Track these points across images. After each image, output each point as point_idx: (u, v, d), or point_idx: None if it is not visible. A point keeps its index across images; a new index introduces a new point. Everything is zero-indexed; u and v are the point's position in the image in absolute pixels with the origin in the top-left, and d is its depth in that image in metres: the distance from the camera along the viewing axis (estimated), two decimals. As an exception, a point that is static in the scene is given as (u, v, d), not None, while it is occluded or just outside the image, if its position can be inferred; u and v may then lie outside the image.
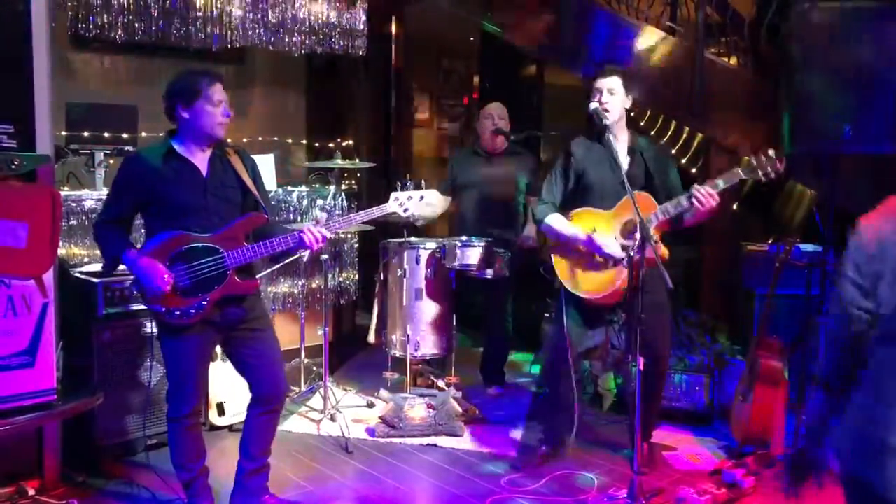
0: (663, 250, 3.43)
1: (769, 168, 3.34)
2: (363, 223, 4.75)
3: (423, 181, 3.40)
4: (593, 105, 3.52)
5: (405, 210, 3.26)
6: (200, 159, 3.04)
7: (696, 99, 4.95)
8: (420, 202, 3.27)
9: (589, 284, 3.58)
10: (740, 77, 5.16)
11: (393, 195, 3.27)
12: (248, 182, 3.11)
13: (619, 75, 3.57)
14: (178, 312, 2.94)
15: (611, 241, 3.48)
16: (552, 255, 3.70)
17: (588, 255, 3.56)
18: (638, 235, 3.24)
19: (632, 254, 3.17)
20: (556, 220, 3.63)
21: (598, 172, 3.64)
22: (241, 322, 3.10)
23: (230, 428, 4.16)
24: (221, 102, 2.98)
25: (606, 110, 3.51)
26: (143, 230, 3.18)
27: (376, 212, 3.23)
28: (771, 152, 3.36)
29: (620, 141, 3.65)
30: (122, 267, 3.17)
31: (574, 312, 3.67)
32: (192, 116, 2.96)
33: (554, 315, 3.81)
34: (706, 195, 3.33)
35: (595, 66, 3.57)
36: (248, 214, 3.08)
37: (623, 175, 3.34)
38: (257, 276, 3.29)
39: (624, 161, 3.63)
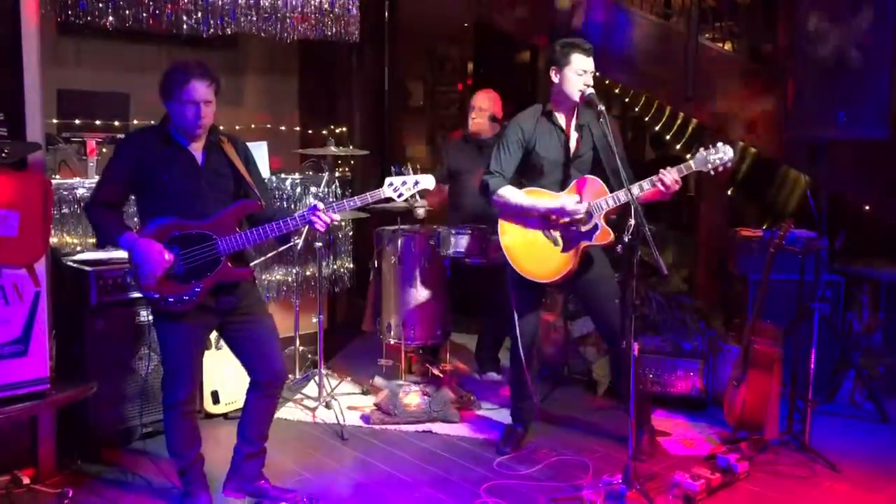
0: (610, 235, 3.49)
1: (718, 161, 3.38)
2: (358, 210, 4.77)
3: (417, 166, 3.35)
4: (590, 91, 3.50)
5: (399, 195, 3.23)
6: (195, 146, 3.04)
7: (690, 85, 4.94)
8: (415, 187, 3.24)
9: (540, 268, 3.59)
10: (735, 62, 5.15)
11: (387, 180, 3.24)
12: (242, 170, 3.11)
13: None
14: (171, 299, 2.93)
15: (572, 199, 3.50)
16: (500, 231, 3.66)
17: (541, 235, 3.57)
18: (632, 221, 3.26)
19: (626, 239, 3.16)
20: (510, 192, 3.59)
21: (546, 149, 3.64)
22: (236, 308, 3.10)
23: (225, 416, 4.16)
24: (195, 103, 2.92)
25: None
26: (135, 218, 3.16)
27: (370, 197, 3.20)
28: (720, 145, 3.40)
29: (571, 117, 3.67)
30: (115, 255, 3.18)
31: (523, 294, 3.70)
32: (171, 112, 2.98)
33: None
34: (671, 180, 3.35)
35: (583, 50, 3.54)
36: (241, 201, 3.08)
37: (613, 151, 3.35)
38: (251, 265, 3.28)
39: (573, 139, 3.66)
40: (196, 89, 2.91)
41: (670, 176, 3.35)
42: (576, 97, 3.53)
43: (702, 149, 3.45)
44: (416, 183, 3.24)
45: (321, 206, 3.09)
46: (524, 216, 3.60)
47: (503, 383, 4.81)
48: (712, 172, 3.43)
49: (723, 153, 3.38)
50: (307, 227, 3.11)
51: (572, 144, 3.65)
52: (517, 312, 3.70)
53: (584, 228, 3.51)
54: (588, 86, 3.50)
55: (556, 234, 3.57)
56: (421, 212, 4.87)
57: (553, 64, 3.59)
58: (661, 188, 3.36)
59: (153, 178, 2.96)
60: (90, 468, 3.55)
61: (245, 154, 3.20)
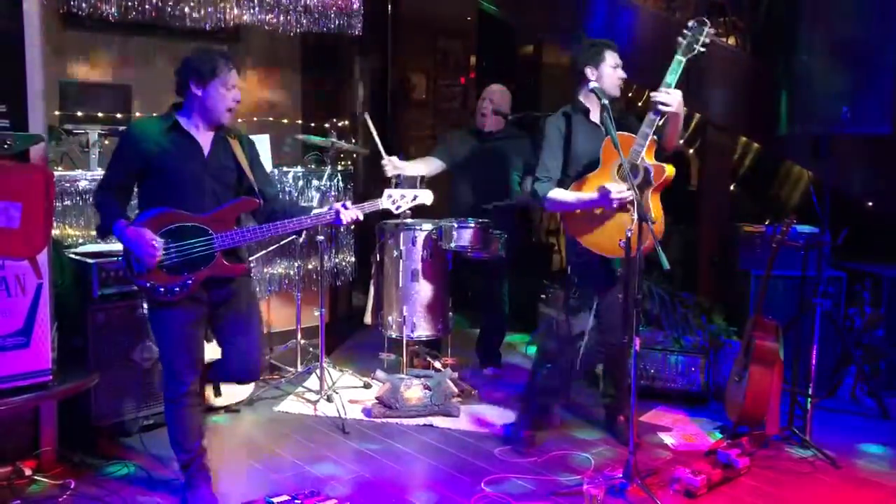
0: (665, 168, 3.47)
1: (700, 36, 3.38)
2: (358, 201, 4.75)
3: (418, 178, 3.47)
4: (595, 84, 3.51)
5: (397, 208, 3.32)
6: (204, 137, 3.05)
7: (692, 79, 4.92)
8: (413, 201, 3.32)
9: (614, 240, 3.48)
10: (738, 57, 5.14)
11: (386, 192, 3.32)
12: (245, 167, 3.12)
13: None
14: (162, 289, 2.95)
15: (615, 185, 3.46)
16: (567, 231, 3.68)
17: (607, 212, 3.53)
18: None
19: (629, 234, 3.16)
20: (560, 194, 3.62)
21: (586, 146, 3.65)
22: (228, 300, 3.12)
23: (227, 409, 4.16)
24: (234, 87, 3.01)
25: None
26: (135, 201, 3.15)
27: (368, 207, 3.28)
28: (693, 22, 3.41)
29: (594, 112, 3.69)
30: (117, 248, 3.17)
31: (587, 290, 3.68)
32: (205, 96, 2.97)
33: (566, 297, 3.80)
34: (664, 95, 3.36)
35: (611, 46, 3.64)
36: (241, 198, 3.09)
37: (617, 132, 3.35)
38: (252, 258, 3.30)
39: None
40: (235, 75, 3.02)
41: (662, 94, 3.37)
42: (615, 91, 3.64)
43: (678, 37, 3.43)
44: (415, 197, 3.32)
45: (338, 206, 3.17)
46: (582, 209, 3.58)
47: (504, 377, 4.83)
48: (702, 49, 3.41)
49: (701, 27, 3.38)
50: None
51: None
52: (575, 308, 3.68)
53: (637, 182, 3.41)
54: (615, 77, 3.62)
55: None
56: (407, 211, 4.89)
57: (588, 64, 3.64)
58: (667, 109, 3.37)
59: (157, 165, 2.96)
60: (92, 460, 3.55)
61: (251, 152, 3.22)
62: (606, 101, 3.38)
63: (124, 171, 3.02)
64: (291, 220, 3.09)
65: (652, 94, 3.42)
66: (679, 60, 3.42)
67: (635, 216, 3.18)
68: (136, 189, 3.09)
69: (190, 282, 2.96)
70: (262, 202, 3.13)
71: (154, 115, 3.23)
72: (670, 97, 3.38)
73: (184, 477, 3.20)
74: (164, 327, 3.04)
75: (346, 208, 3.19)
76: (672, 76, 3.41)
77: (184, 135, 3.01)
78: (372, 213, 5.00)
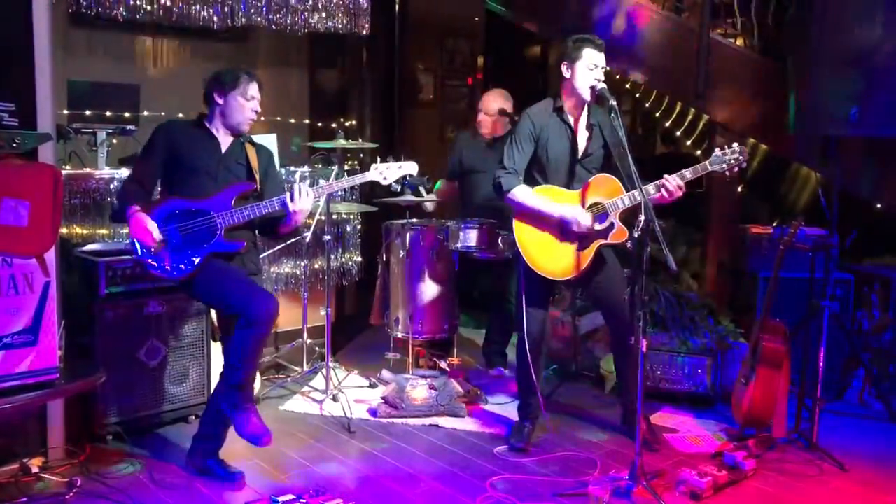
0: (625, 233, 3.53)
1: (734, 162, 3.50)
2: (367, 203, 4.77)
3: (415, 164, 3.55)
4: (602, 85, 3.48)
5: (384, 179, 3.49)
6: (223, 137, 3.37)
7: (701, 80, 4.92)
8: (398, 170, 3.50)
9: (555, 265, 3.60)
10: (747, 58, 5.13)
11: (373, 165, 3.51)
12: (255, 169, 3.36)
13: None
14: (168, 267, 3.18)
15: (585, 214, 3.51)
16: (514, 229, 3.64)
17: (556, 233, 3.57)
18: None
19: (636, 234, 3.17)
20: (523, 193, 3.58)
21: (556, 147, 3.63)
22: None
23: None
24: (254, 99, 3.32)
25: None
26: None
27: (357, 179, 3.54)
28: (736, 146, 3.51)
29: (582, 115, 3.65)
30: (124, 246, 3.23)
31: (535, 290, 3.70)
32: (225, 104, 3.30)
33: (515, 293, 3.86)
34: (675, 186, 3.42)
35: (595, 45, 3.55)
36: (238, 182, 3.32)
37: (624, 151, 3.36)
38: (261, 255, 3.42)
39: (582, 137, 3.64)
40: (256, 88, 3.33)
41: (673, 182, 3.41)
42: (586, 92, 3.52)
43: (717, 149, 3.53)
44: (400, 167, 3.50)
45: (303, 188, 3.27)
46: (538, 218, 3.59)
47: (510, 378, 4.81)
48: (727, 173, 3.53)
49: (738, 153, 3.49)
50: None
51: (581, 143, 3.64)
52: (527, 308, 3.69)
53: (599, 227, 3.51)
54: (599, 80, 3.49)
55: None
56: (429, 206, 4.89)
57: (564, 59, 3.58)
58: (665, 194, 3.43)
59: (179, 151, 3.27)
60: (98, 457, 3.56)
61: (267, 162, 3.47)
62: (613, 102, 3.38)
63: (152, 162, 3.29)
64: (254, 206, 3.26)
65: (667, 176, 3.42)
66: (705, 166, 3.48)
67: (642, 217, 3.18)
68: (158, 186, 3.37)
69: (196, 259, 3.17)
70: (258, 187, 3.36)
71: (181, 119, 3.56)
72: (679, 192, 3.43)
73: (230, 401, 3.19)
74: (215, 276, 3.19)
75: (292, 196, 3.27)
76: (693, 174, 3.46)
77: (205, 131, 3.35)
78: (377, 213, 5.07)
